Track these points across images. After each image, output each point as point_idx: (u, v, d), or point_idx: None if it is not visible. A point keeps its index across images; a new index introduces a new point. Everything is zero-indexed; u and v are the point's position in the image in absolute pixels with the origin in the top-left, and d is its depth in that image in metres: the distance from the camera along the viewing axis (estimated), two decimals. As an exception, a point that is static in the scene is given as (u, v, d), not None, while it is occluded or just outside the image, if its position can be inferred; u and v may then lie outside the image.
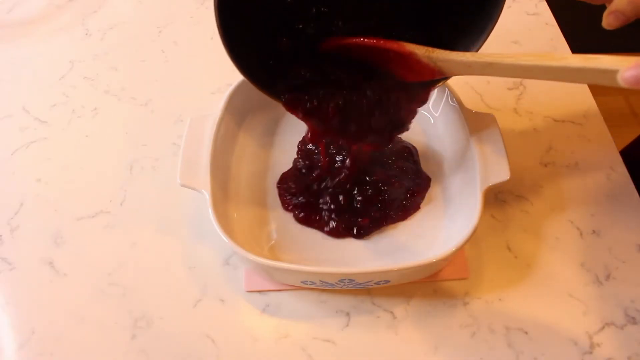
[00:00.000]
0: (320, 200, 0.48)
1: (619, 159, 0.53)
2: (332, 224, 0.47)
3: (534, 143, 0.54)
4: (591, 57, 0.30)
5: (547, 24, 0.65)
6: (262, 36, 0.41)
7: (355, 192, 0.48)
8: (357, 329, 0.44)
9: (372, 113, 0.42)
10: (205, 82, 0.60)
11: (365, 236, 0.47)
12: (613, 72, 0.28)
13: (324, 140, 0.49)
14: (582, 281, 0.45)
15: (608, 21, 0.36)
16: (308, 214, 0.48)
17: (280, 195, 0.50)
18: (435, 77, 0.39)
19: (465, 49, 0.40)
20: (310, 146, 0.52)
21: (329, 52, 0.41)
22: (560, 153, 0.53)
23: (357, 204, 0.48)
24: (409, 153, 0.51)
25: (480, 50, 0.40)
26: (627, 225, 0.48)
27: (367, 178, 0.49)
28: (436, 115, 0.52)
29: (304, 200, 0.49)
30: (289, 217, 0.48)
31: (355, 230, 0.47)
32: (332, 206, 0.48)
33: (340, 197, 0.48)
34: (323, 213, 0.48)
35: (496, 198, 0.50)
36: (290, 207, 0.49)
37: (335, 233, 0.47)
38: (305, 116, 0.42)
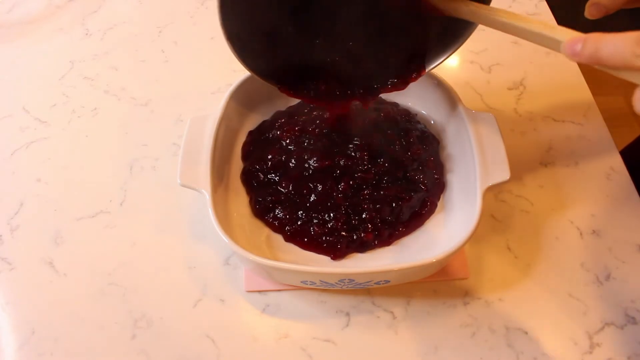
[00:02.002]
0: (314, 218, 0.46)
1: (619, 159, 0.53)
2: (338, 246, 0.45)
3: (534, 143, 0.54)
4: (549, 26, 0.33)
5: (547, 24, 0.65)
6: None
7: (359, 207, 0.46)
8: (357, 329, 0.44)
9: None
10: (205, 82, 0.60)
11: (368, 251, 0.45)
12: (559, 42, 0.32)
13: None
14: (582, 281, 0.45)
15: (590, 11, 0.40)
16: (297, 231, 0.46)
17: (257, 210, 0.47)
18: (431, 12, 0.41)
19: None
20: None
21: None
22: (560, 153, 0.53)
23: (363, 218, 0.45)
24: (436, 155, 0.49)
25: None
26: (627, 225, 0.48)
27: (382, 192, 0.46)
28: (436, 115, 0.52)
29: (288, 215, 0.46)
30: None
31: (359, 247, 0.45)
32: (328, 225, 0.45)
33: (333, 214, 0.45)
34: (322, 237, 0.45)
35: (496, 198, 0.50)
36: (276, 224, 0.46)
37: (340, 256, 0.45)
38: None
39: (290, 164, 0.48)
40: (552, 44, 0.33)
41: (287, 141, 0.49)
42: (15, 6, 0.69)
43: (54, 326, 0.44)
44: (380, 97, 0.49)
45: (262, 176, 0.48)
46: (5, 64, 0.63)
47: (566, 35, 0.32)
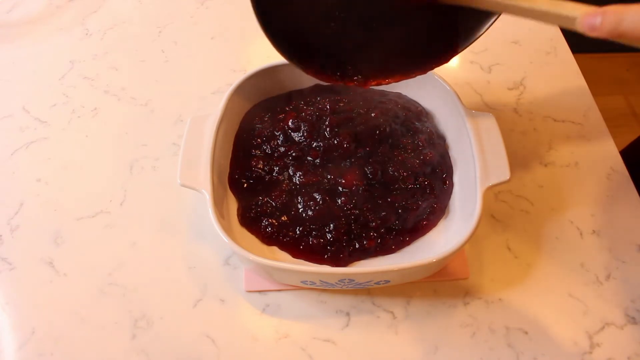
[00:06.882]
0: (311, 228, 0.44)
1: (619, 159, 0.53)
2: (339, 255, 0.44)
3: (534, 143, 0.54)
4: (557, 2, 0.32)
5: (547, 24, 0.65)
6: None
7: (362, 216, 0.44)
8: (357, 329, 0.44)
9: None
10: (205, 82, 0.60)
11: (369, 257, 0.45)
12: (573, 19, 0.31)
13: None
14: (582, 281, 0.45)
15: None
16: (292, 242, 0.44)
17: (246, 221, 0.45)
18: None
19: None
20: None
21: None
22: (560, 153, 0.53)
23: (368, 227, 0.44)
24: (446, 155, 0.48)
25: None
26: (627, 225, 0.48)
27: (386, 200, 0.45)
28: (436, 115, 0.52)
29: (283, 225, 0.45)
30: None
31: (361, 254, 0.44)
32: (328, 236, 0.44)
33: (332, 225, 0.44)
34: (322, 245, 0.44)
35: (496, 198, 0.50)
36: (267, 234, 0.45)
37: (343, 264, 0.44)
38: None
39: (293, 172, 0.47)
40: (564, 21, 0.31)
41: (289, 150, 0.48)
42: (15, 6, 0.69)
43: (54, 326, 0.44)
44: (387, 90, 0.48)
45: (246, 184, 0.47)
46: (5, 64, 0.63)
47: (577, 10, 0.30)
